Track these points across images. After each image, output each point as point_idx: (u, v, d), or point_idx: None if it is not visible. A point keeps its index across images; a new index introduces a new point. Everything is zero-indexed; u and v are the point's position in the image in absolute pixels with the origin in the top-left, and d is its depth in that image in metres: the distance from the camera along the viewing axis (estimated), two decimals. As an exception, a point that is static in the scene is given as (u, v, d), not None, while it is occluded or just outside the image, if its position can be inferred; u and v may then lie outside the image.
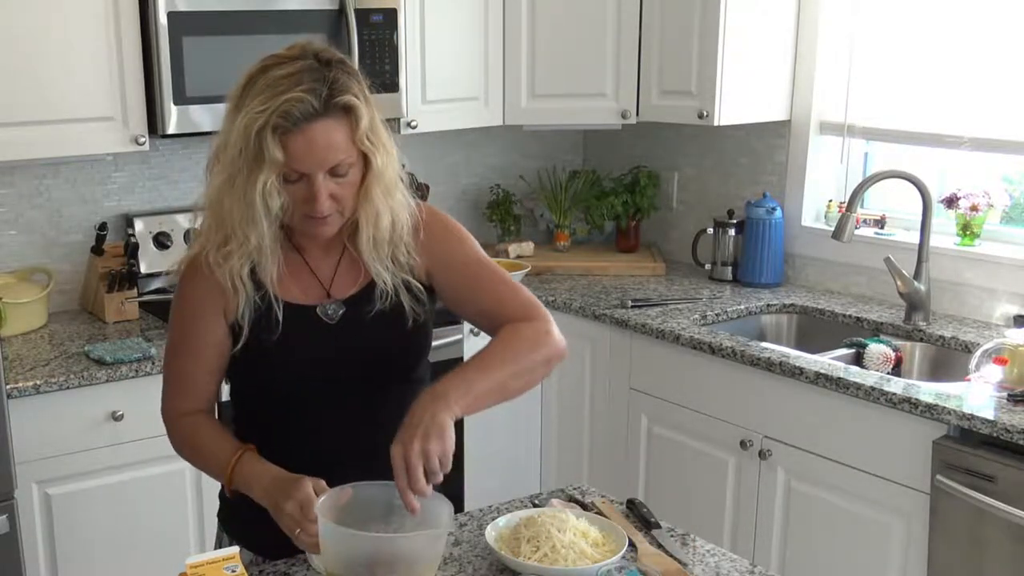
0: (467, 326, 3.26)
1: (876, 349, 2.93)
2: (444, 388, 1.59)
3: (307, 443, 1.74)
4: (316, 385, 1.72)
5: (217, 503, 1.89)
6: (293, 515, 1.54)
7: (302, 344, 1.71)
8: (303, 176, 1.61)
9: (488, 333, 1.78)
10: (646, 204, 3.86)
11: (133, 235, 3.20)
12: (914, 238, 3.12)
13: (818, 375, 2.68)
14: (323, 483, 1.57)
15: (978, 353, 2.68)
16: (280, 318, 1.69)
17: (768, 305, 3.35)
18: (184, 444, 1.79)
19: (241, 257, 1.67)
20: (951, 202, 3.10)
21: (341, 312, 1.73)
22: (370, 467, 1.65)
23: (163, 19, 2.83)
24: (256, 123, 1.57)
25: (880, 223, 3.33)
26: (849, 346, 3.00)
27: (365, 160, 1.64)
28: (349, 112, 1.61)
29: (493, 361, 1.67)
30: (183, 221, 3.29)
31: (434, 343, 1.89)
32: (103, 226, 3.15)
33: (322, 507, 1.51)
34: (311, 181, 1.61)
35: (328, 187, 1.61)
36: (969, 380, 2.63)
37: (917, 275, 3.05)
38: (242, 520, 1.82)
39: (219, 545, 1.88)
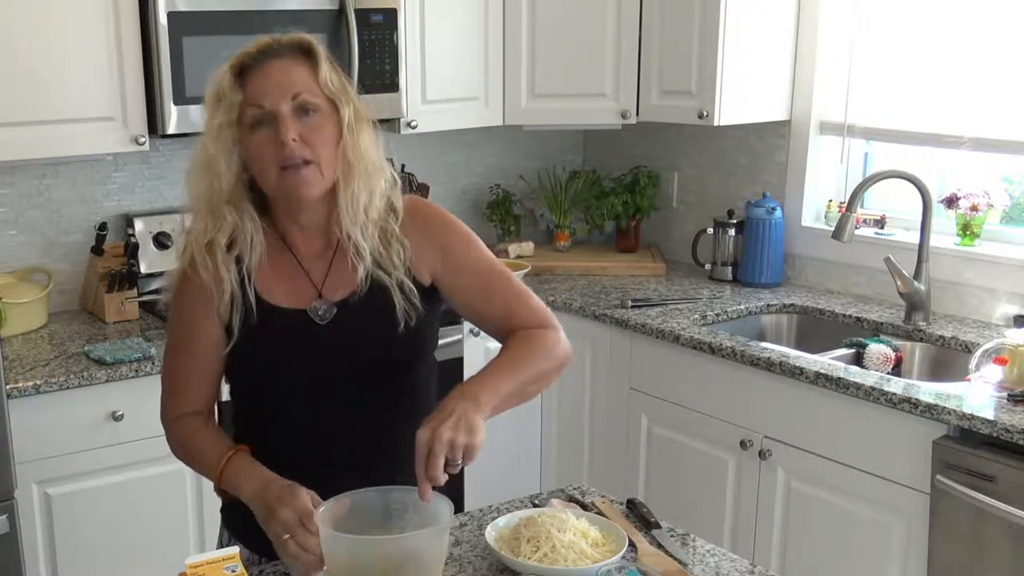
0: (467, 326, 3.25)
1: (876, 349, 2.93)
2: (474, 389, 1.61)
3: (302, 445, 1.74)
4: (308, 387, 1.71)
5: (220, 501, 1.89)
6: (289, 522, 1.52)
7: (293, 345, 1.71)
8: (270, 120, 1.62)
9: (496, 338, 1.78)
10: (646, 204, 3.86)
11: (133, 235, 3.20)
12: (914, 238, 3.11)
13: (818, 375, 2.68)
14: (317, 497, 1.57)
15: (978, 353, 2.68)
16: (255, 317, 1.69)
17: (768, 305, 3.35)
18: (179, 445, 1.79)
19: (205, 234, 1.68)
20: (951, 202, 3.10)
21: (333, 313, 1.73)
22: (366, 471, 1.66)
23: (163, 19, 2.83)
24: (218, 73, 1.64)
25: (880, 223, 3.33)
26: (849, 346, 3.00)
27: (337, 115, 1.66)
28: (309, 54, 1.67)
29: (516, 367, 1.68)
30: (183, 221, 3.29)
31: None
32: (103, 226, 3.15)
33: (322, 518, 1.51)
34: (277, 119, 1.62)
35: (296, 127, 1.62)
36: (969, 380, 2.63)
37: (917, 275, 3.05)
38: (244, 519, 1.82)
39: (221, 542, 1.88)
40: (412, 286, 1.73)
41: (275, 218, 1.74)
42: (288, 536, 1.52)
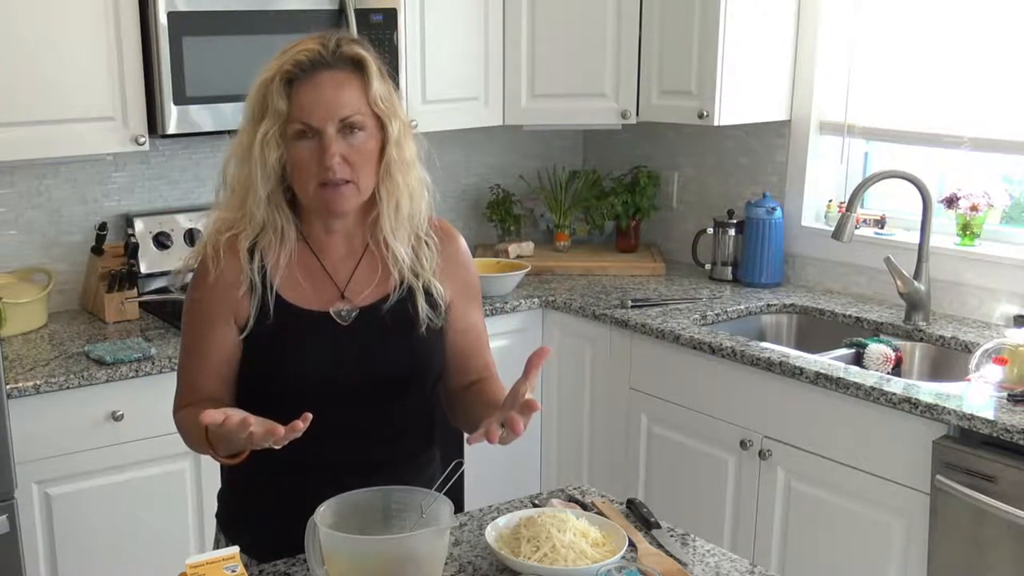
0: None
1: (876, 349, 2.93)
2: None
3: (309, 444, 1.73)
4: (322, 387, 1.71)
5: (216, 504, 1.89)
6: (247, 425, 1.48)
7: (312, 345, 1.71)
8: (315, 134, 1.62)
9: (451, 382, 1.82)
10: (646, 204, 3.86)
11: (133, 235, 3.20)
12: (914, 238, 3.11)
13: (818, 375, 2.68)
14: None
15: (978, 353, 2.68)
16: (273, 315, 1.69)
17: (768, 305, 3.35)
18: (182, 430, 1.74)
19: (231, 228, 1.69)
20: (951, 202, 3.10)
21: (355, 315, 1.73)
22: (371, 473, 1.66)
23: (163, 19, 2.83)
24: (265, 76, 1.63)
25: (880, 223, 3.33)
26: (849, 346, 3.00)
27: (382, 130, 1.67)
28: (360, 68, 1.65)
29: None
30: (183, 221, 3.29)
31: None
32: (103, 226, 3.15)
33: (321, 516, 1.51)
34: (322, 137, 1.62)
35: (340, 147, 1.62)
36: (969, 380, 2.63)
37: (917, 275, 3.05)
38: (239, 523, 1.82)
39: (217, 546, 1.88)
40: (440, 288, 1.75)
41: (304, 219, 1.74)
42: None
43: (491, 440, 1.52)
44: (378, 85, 1.66)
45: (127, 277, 3.09)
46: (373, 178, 1.68)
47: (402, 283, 1.73)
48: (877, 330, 3.10)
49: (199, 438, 1.64)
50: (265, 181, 1.65)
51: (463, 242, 1.87)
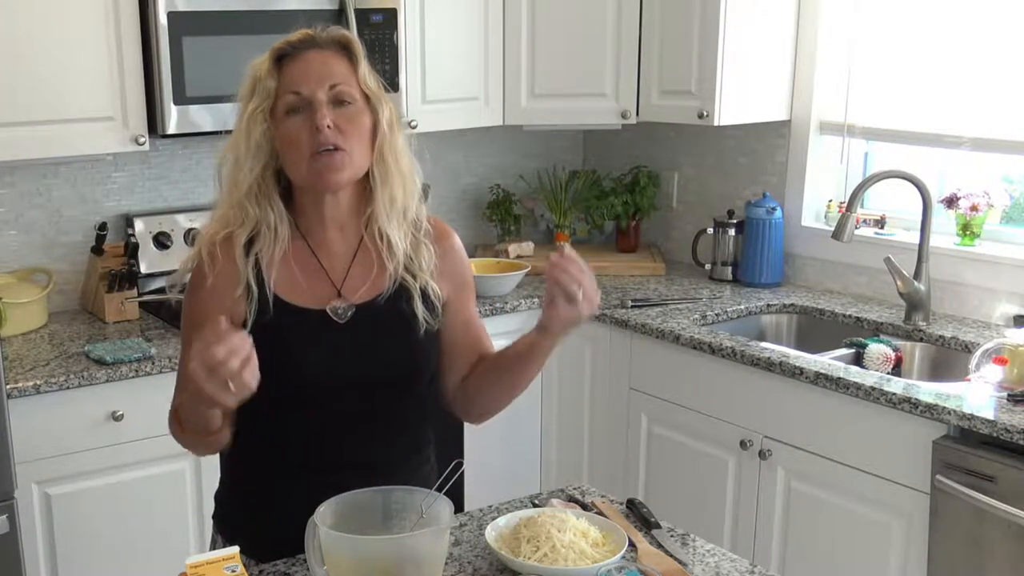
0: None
1: (876, 349, 2.93)
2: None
3: (307, 443, 1.73)
4: (319, 385, 1.71)
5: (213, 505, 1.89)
6: (200, 349, 1.43)
7: (309, 343, 1.70)
8: (305, 107, 1.64)
9: (449, 376, 1.83)
10: (646, 204, 3.86)
11: (133, 235, 3.20)
12: (914, 238, 3.12)
13: (818, 375, 2.68)
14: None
15: (978, 353, 2.68)
16: (271, 313, 1.68)
17: (768, 305, 3.35)
18: (174, 425, 1.72)
19: (226, 226, 1.69)
20: (951, 202, 3.11)
21: (351, 313, 1.73)
22: (370, 472, 1.66)
23: (163, 19, 2.83)
24: (254, 63, 1.67)
25: (880, 223, 3.33)
26: (849, 346, 3.00)
27: (372, 112, 1.68)
28: (348, 50, 1.69)
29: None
30: (183, 221, 3.29)
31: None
32: (103, 226, 3.15)
33: (321, 516, 1.51)
34: (312, 104, 1.64)
35: (331, 114, 1.64)
36: (969, 380, 2.63)
37: (917, 275, 3.05)
38: (238, 524, 1.82)
39: (213, 547, 1.88)
40: (437, 290, 1.75)
41: (299, 214, 1.74)
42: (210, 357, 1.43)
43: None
44: (366, 69, 1.69)
45: (127, 277, 3.09)
46: (366, 154, 1.68)
47: (398, 278, 1.73)
48: (877, 330, 3.10)
49: (174, 421, 1.65)
50: (249, 157, 1.66)
51: (457, 238, 1.87)
